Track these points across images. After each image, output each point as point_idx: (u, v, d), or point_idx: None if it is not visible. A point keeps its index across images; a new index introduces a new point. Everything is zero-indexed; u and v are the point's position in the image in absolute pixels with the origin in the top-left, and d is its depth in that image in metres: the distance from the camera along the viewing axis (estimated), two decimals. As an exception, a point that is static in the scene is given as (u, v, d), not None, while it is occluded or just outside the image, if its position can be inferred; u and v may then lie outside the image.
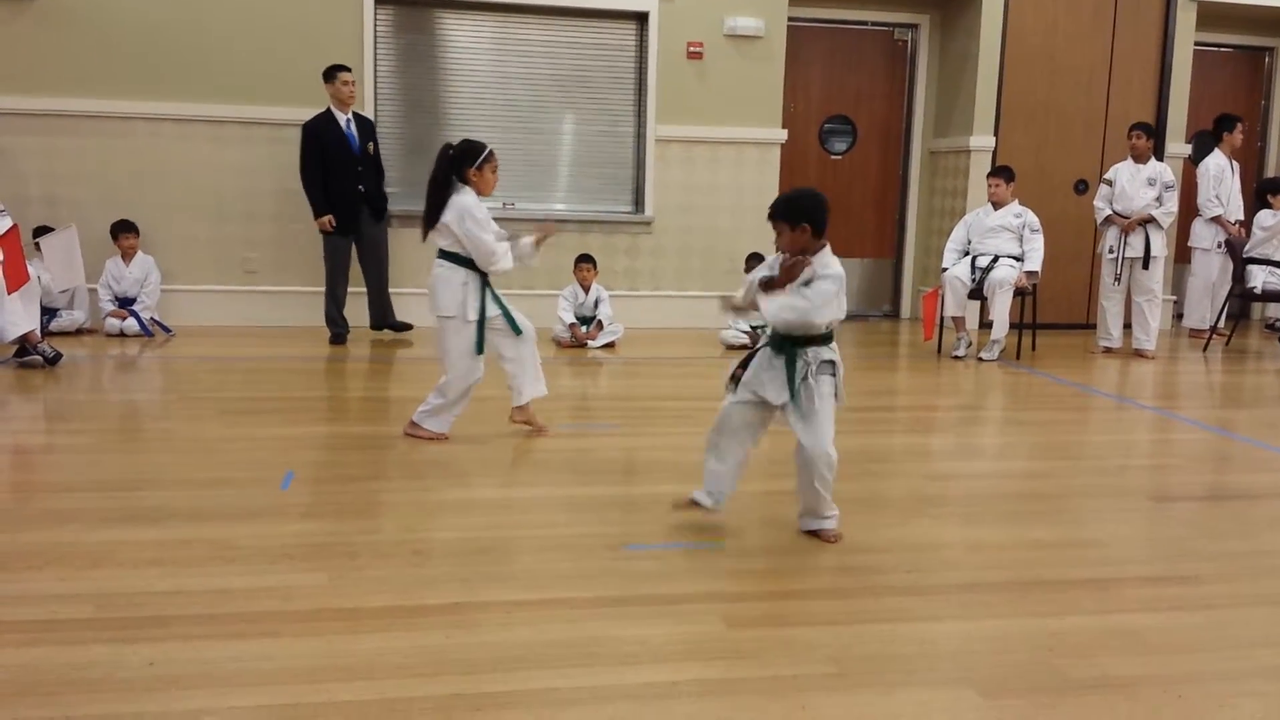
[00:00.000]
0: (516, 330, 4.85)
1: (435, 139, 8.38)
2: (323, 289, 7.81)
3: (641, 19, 8.54)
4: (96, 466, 4.42)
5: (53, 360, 6.38)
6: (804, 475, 3.61)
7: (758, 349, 3.72)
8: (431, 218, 4.74)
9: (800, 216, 3.54)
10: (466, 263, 4.73)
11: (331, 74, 7.54)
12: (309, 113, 7.74)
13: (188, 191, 8.03)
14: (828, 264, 3.55)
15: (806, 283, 3.54)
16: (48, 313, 7.33)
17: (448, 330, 4.76)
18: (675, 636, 2.86)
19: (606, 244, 8.53)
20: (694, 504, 3.72)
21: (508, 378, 4.97)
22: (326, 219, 7.55)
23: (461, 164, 4.73)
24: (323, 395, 5.89)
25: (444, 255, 4.78)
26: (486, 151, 4.75)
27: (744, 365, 3.74)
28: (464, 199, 4.69)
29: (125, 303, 7.70)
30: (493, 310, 4.80)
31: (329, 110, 7.59)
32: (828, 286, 3.50)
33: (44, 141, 7.79)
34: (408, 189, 8.42)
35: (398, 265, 8.16)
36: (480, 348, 4.77)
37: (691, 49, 8.54)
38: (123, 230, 7.70)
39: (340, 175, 7.60)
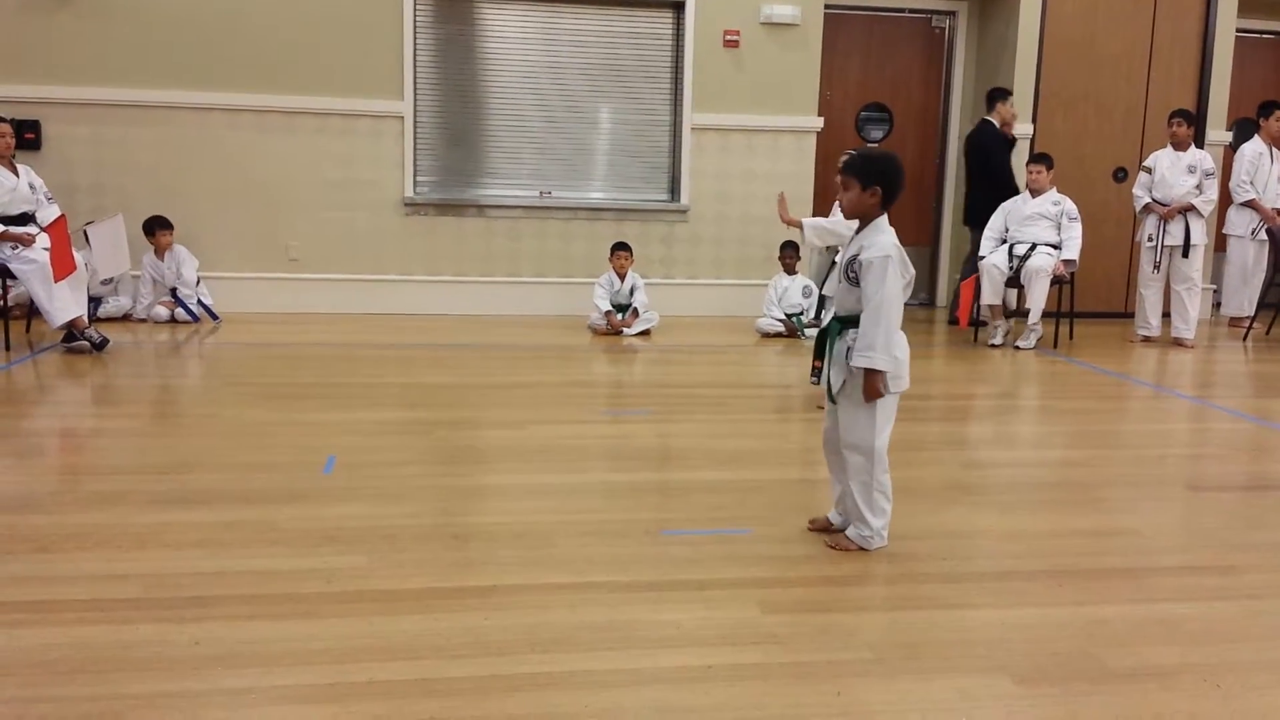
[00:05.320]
0: None
1: (473, 128, 8.48)
2: (375, 276, 8.13)
3: (678, 8, 8.54)
4: (143, 450, 4.51)
5: (100, 346, 6.49)
6: (841, 472, 3.49)
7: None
8: None
9: (874, 179, 3.28)
10: None
11: (1004, 96, 8.35)
12: (352, 103, 8.07)
13: (233, 180, 8.13)
14: (875, 243, 3.27)
15: (854, 279, 3.27)
16: (94, 300, 7.44)
17: None
18: (710, 621, 2.88)
19: (642, 232, 8.55)
20: (829, 524, 3.60)
21: None
22: None
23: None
24: (364, 381, 5.95)
25: None
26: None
27: (819, 354, 3.55)
28: None
29: (170, 293, 7.81)
30: None
31: (990, 124, 8.34)
32: (884, 280, 3.21)
33: (91, 131, 7.91)
34: (446, 177, 8.50)
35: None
36: None
37: (728, 37, 8.53)
38: (159, 227, 7.78)
39: (1006, 186, 8.26)
